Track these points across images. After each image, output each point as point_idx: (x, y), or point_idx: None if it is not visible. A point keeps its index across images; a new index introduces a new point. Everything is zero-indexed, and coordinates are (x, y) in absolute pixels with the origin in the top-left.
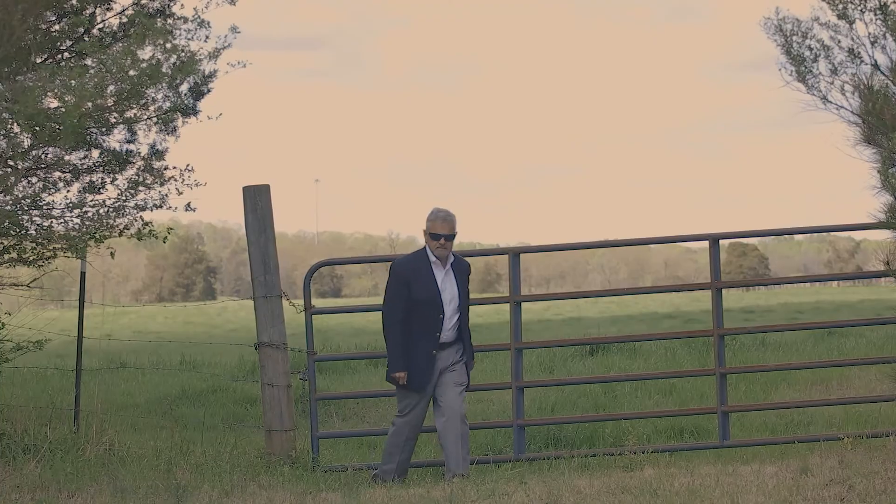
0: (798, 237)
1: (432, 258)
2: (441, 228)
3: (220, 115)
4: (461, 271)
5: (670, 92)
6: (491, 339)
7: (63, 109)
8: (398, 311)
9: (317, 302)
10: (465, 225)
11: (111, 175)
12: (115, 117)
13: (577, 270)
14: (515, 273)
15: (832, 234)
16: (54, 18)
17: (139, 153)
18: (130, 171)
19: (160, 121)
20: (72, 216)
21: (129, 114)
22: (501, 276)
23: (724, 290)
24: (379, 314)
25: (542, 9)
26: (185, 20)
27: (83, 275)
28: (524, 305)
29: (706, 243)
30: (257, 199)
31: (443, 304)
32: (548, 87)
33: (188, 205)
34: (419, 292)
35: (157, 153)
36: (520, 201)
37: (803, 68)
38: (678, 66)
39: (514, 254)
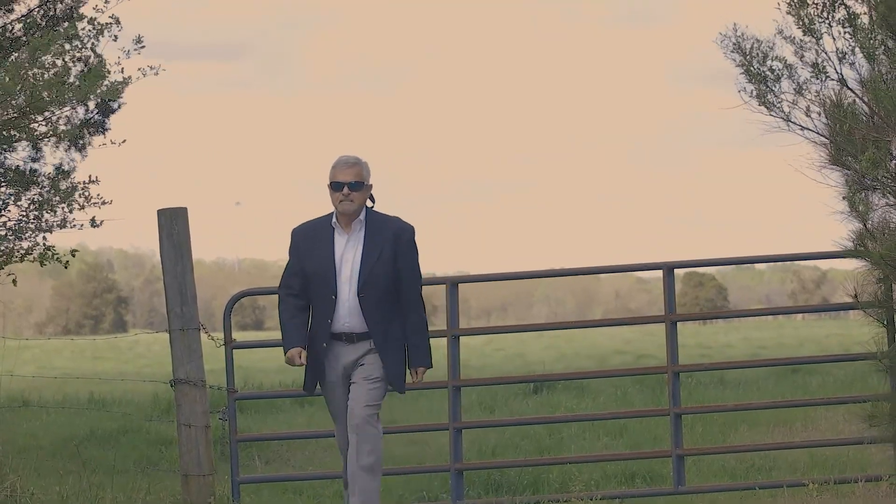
0: (759, 266)
1: (333, 221)
2: (343, 174)
3: (124, 140)
4: (386, 237)
5: (622, 104)
6: (428, 375)
7: None
8: (287, 285)
9: (238, 335)
10: None
11: (13, 195)
12: (16, 133)
13: (521, 302)
14: (453, 304)
15: (796, 263)
16: None
17: (45, 174)
18: (34, 191)
19: (66, 137)
20: None
21: (34, 128)
22: (438, 308)
23: (679, 324)
24: None
25: (490, 5)
26: (93, 21)
27: None
28: (462, 339)
29: (660, 273)
30: (173, 224)
31: (336, 280)
32: (491, 93)
33: (93, 220)
34: (310, 264)
35: (63, 172)
36: (458, 224)
37: (764, 87)
38: (632, 75)
39: (452, 283)
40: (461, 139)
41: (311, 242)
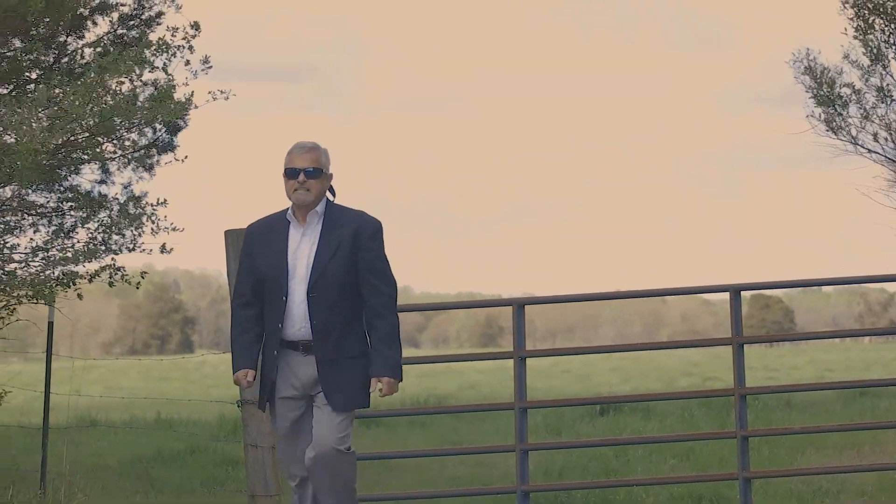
0: (826, 289)
1: (288, 213)
2: (299, 160)
3: (186, 157)
4: (345, 231)
5: (686, 127)
6: (493, 397)
7: (17, 146)
8: (238, 293)
9: None
10: (463, 273)
11: (82, 217)
12: (86, 154)
13: (587, 324)
14: (520, 326)
15: (863, 285)
16: (21, 45)
17: (115, 197)
18: (103, 214)
19: (134, 158)
20: (36, 261)
21: (104, 148)
22: (504, 330)
23: (745, 346)
24: None
25: (547, 29)
26: (166, 46)
27: (51, 325)
28: (529, 361)
29: (727, 295)
30: (240, 244)
31: (287, 279)
32: (553, 117)
33: (163, 247)
34: (262, 262)
35: (133, 197)
36: (525, 246)
37: (832, 111)
38: (694, 98)
39: (519, 305)
40: (524, 160)
41: (264, 239)
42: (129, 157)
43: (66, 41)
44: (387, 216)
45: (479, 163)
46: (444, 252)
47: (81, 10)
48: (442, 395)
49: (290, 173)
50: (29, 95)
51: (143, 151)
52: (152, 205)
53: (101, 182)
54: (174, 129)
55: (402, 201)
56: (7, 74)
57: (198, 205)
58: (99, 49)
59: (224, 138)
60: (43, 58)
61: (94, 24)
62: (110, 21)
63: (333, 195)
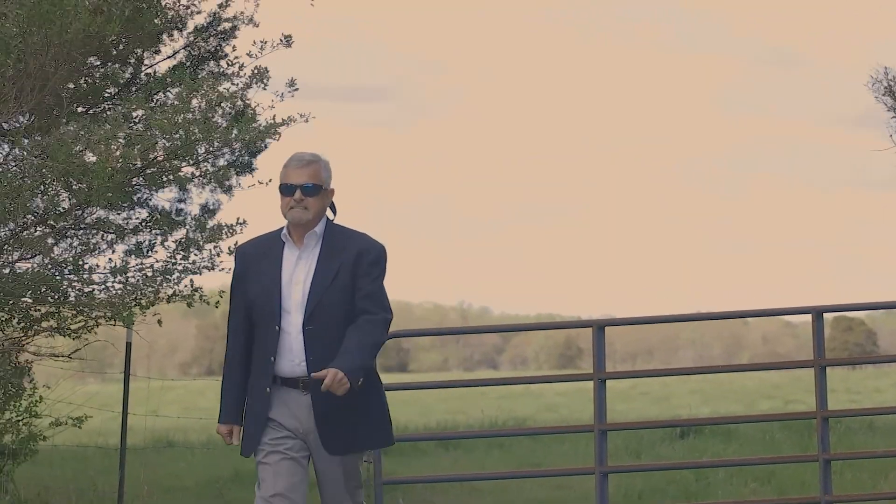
0: None
1: (284, 233)
2: (295, 175)
3: (270, 180)
4: (346, 256)
5: (766, 147)
6: (572, 419)
7: (95, 166)
8: (231, 329)
9: (383, 377)
10: (542, 294)
11: (160, 236)
12: (165, 176)
13: (667, 346)
14: (600, 348)
15: None
16: (98, 64)
17: (190, 213)
18: (180, 233)
19: (213, 179)
20: (114, 281)
21: (182, 170)
22: (584, 351)
23: (828, 368)
24: (450, 392)
25: (635, 52)
26: (241, 66)
27: (129, 346)
28: (608, 383)
29: (808, 317)
30: None
31: (280, 307)
32: (629, 139)
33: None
34: (253, 287)
35: (209, 211)
36: (604, 268)
37: None
38: (776, 117)
39: (599, 327)
40: (603, 182)
41: (257, 261)
42: (208, 177)
43: (141, 56)
44: (466, 237)
45: (560, 184)
46: (523, 273)
47: (156, 23)
48: (521, 418)
49: (285, 190)
50: (107, 114)
51: (220, 171)
52: (231, 225)
53: (180, 201)
54: (254, 151)
55: (481, 222)
56: (84, 93)
57: (276, 224)
58: (175, 64)
59: None
60: (119, 75)
61: (171, 37)
62: (185, 35)
63: (334, 214)
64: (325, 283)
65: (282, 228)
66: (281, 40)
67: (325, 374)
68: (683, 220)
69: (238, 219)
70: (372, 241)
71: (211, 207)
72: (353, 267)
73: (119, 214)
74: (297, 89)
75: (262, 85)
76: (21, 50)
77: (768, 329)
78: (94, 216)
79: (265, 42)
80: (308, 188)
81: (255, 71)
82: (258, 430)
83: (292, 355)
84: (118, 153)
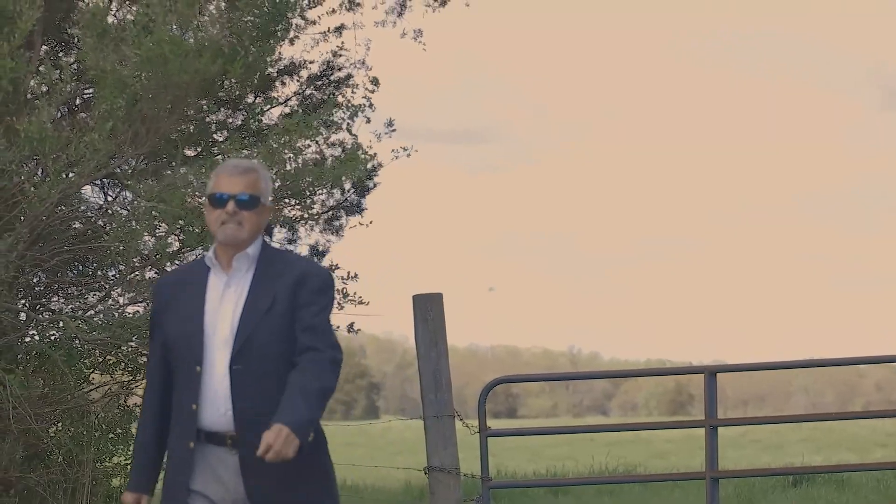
0: None
1: (209, 255)
2: (228, 183)
3: (371, 222)
4: (284, 283)
5: (881, 184)
6: (683, 466)
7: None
8: (149, 374)
9: (491, 423)
10: (652, 339)
11: None
12: (274, 217)
13: (779, 392)
14: (711, 394)
15: None
16: (209, 108)
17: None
18: None
19: (322, 219)
20: None
21: (291, 212)
22: (695, 397)
23: None
24: (559, 438)
25: (747, 86)
26: (353, 113)
27: None
28: (720, 430)
29: None
30: (428, 309)
31: (203, 343)
32: (743, 177)
33: (351, 326)
34: (172, 324)
35: (318, 253)
36: (715, 313)
37: None
38: (879, 155)
39: (710, 373)
40: (715, 225)
41: (176, 293)
42: (317, 219)
43: (254, 102)
44: (575, 281)
45: (669, 225)
46: (633, 317)
47: (270, 70)
48: (631, 464)
49: (215, 201)
50: (217, 158)
51: (330, 213)
52: (343, 279)
53: (290, 241)
54: (362, 191)
55: (590, 265)
56: (194, 137)
57: (385, 269)
58: (287, 110)
59: (412, 201)
60: (230, 120)
61: (283, 84)
62: (298, 82)
63: (271, 235)
64: (257, 313)
65: (205, 255)
66: (371, 80)
67: (268, 439)
68: (799, 261)
69: (349, 272)
70: (317, 266)
71: (321, 249)
72: (293, 295)
73: None
74: (394, 129)
75: (365, 118)
76: (136, 92)
77: (883, 376)
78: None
79: (373, 87)
80: (244, 200)
81: (357, 107)
82: (176, 498)
83: (217, 402)
84: None
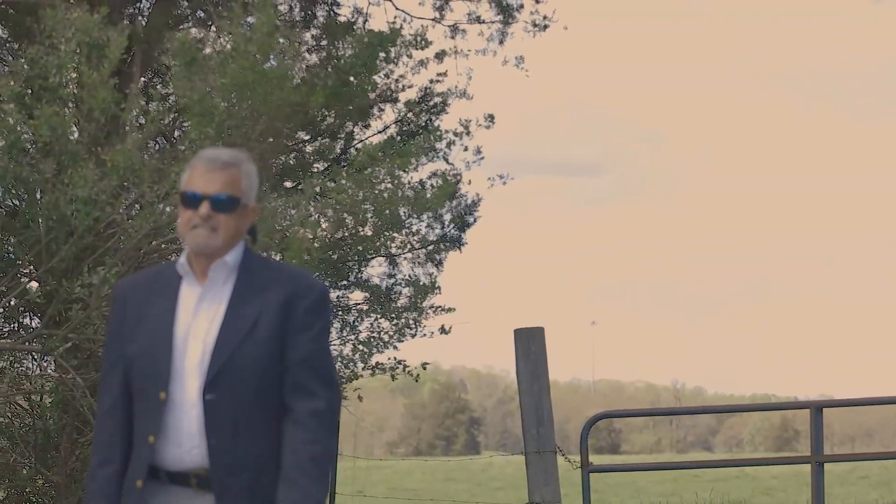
0: None
1: (181, 262)
2: (202, 181)
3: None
4: (271, 298)
5: None
6: (789, 503)
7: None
8: (103, 393)
9: (593, 458)
10: (759, 373)
11: (369, 310)
12: (372, 249)
13: (887, 427)
14: (818, 429)
15: None
16: (307, 139)
17: (400, 290)
18: (390, 307)
19: (424, 253)
20: None
21: (391, 245)
22: (801, 433)
23: None
24: (663, 474)
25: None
26: (450, 143)
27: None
28: (826, 466)
29: None
30: (530, 344)
31: (170, 367)
32: (851, 211)
33: (442, 327)
34: (134, 341)
35: (422, 288)
36: (822, 347)
37: None
38: None
39: (816, 408)
40: (818, 256)
41: (141, 303)
42: (417, 252)
43: (353, 132)
44: (680, 315)
45: (773, 262)
46: (738, 352)
47: (367, 100)
48: (736, 501)
49: (187, 200)
50: (309, 189)
51: (431, 247)
52: (442, 308)
53: (390, 276)
54: (463, 226)
55: (694, 299)
56: (293, 169)
57: (486, 302)
58: (385, 138)
59: (513, 234)
60: (329, 149)
61: (381, 111)
62: (397, 110)
63: (254, 240)
64: (237, 334)
65: (177, 261)
66: (486, 117)
67: None
68: None
69: (444, 306)
70: (310, 279)
71: (422, 282)
72: (282, 315)
73: (334, 292)
74: (482, 157)
75: (463, 146)
76: (224, 120)
77: None
78: None
79: (469, 121)
80: (220, 201)
81: (458, 136)
82: None
83: (181, 436)
84: (314, 227)
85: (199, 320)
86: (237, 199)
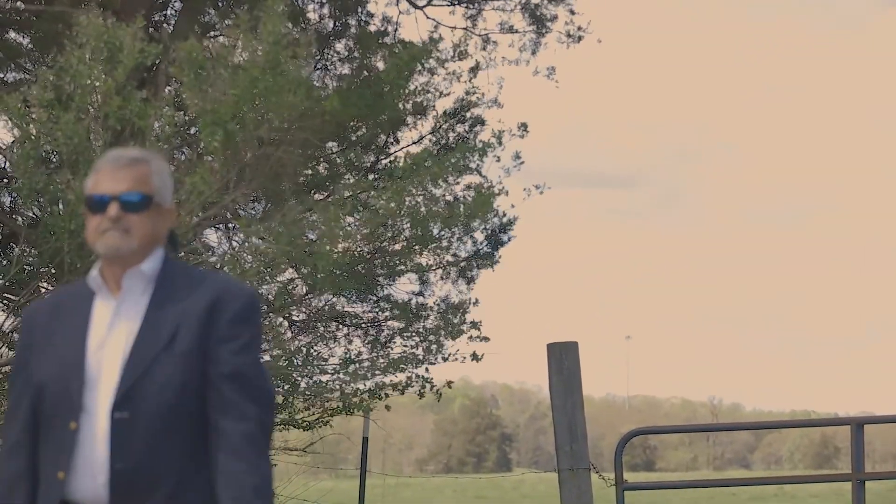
0: None
1: (93, 275)
2: (108, 181)
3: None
4: (190, 307)
5: None
6: None
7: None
8: (8, 430)
9: (628, 476)
10: (798, 389)
11: (400, 329)
12: (403, 264)
13: None
14: (858, 447)
15: None
16: (339, 150)
17: (431, 307)
18: (419, 325)
19: (455, 270)
20: (345, 372)
21: (421, 260)
22: (840, 450)
23: None
24: (700, 492)
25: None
26: (482, 154)
27: (365, 440)
28: (868, 484)
29: None
30: (563, 358)
31: (82, 394)
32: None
33: (474, 354)
34: (42, 365)
35: (453, 307)
36: (862, 362)
37: None
38: None
39: (857, 424)
40: (857, 275)
41: (50, 324)
42: (449, 269)
43: (385, 144)
44: (714, 329)
45: (811, 275)
46: (777, 367)
47: (403, 107)
48: None
49: (93, 204)
50: (341, 199)
51: (463, 264)
52: (472, 323)
53: (419, 294)
54: (496, 244)
55: (732, 314)
56: (324, 180)
57: (519, 316)
58: (419, 150)
59: (547, 247)
60: (360, 159)
61: (415, 122)
62: (433, 118)
63: (175, 248)
64: (153, 347)
65: (88, 276)
66: (519, 126)
67: None
68: None
69: (474, 321)
70: (236, 285)
71: (453, 300)
72: (205, 325)
73: (357, 305)
74: (522, 162)
75: (496, 157)
76: (234, 129)
77: None
78: (327, 303)
79: (502, 131)
80: (130, 200)
81: (490, 147)
82: None
83: (94, 467)
84: (345, 238)
85: (114, 336)
86: (149, 198)
